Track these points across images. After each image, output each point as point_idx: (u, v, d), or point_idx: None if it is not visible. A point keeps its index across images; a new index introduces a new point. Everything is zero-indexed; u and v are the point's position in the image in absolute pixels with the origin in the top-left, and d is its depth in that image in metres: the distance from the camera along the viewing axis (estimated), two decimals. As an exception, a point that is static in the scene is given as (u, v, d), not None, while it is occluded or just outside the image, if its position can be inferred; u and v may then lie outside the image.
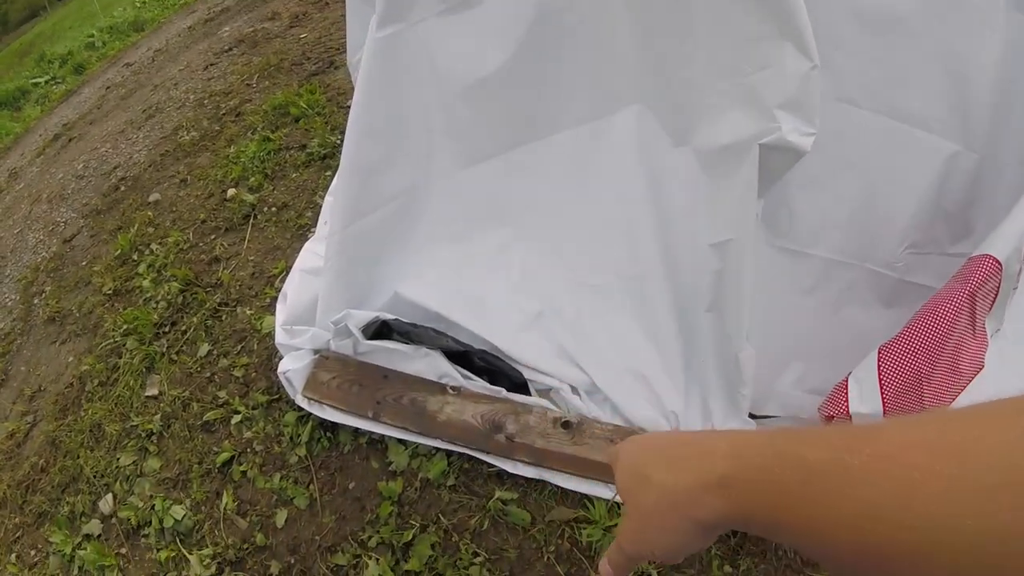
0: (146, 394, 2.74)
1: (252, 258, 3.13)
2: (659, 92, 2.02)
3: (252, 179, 3.62)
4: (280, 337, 2.32)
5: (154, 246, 3.45)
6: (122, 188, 4.26)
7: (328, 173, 3.43)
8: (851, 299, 2.22)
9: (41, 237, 4.32)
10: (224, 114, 4.59)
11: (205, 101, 5.01)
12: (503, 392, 2.07)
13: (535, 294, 2.22)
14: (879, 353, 1.76)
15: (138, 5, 13.40)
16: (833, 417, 1.80)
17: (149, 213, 3.74)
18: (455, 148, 2.19)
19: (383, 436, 2.17)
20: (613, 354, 2.12)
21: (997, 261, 1.68)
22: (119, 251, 3.53)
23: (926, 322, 1.70)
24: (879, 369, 1.74)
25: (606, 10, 1.96)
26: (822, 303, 2.22)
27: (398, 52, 2.02)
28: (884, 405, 1.72)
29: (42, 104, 8.38)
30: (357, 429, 2.18)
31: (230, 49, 6.18)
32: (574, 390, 2.11)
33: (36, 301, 3.71)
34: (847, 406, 1.77)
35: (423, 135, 2.14)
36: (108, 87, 7.26)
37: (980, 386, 1.73)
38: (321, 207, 2.97)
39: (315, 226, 2.97)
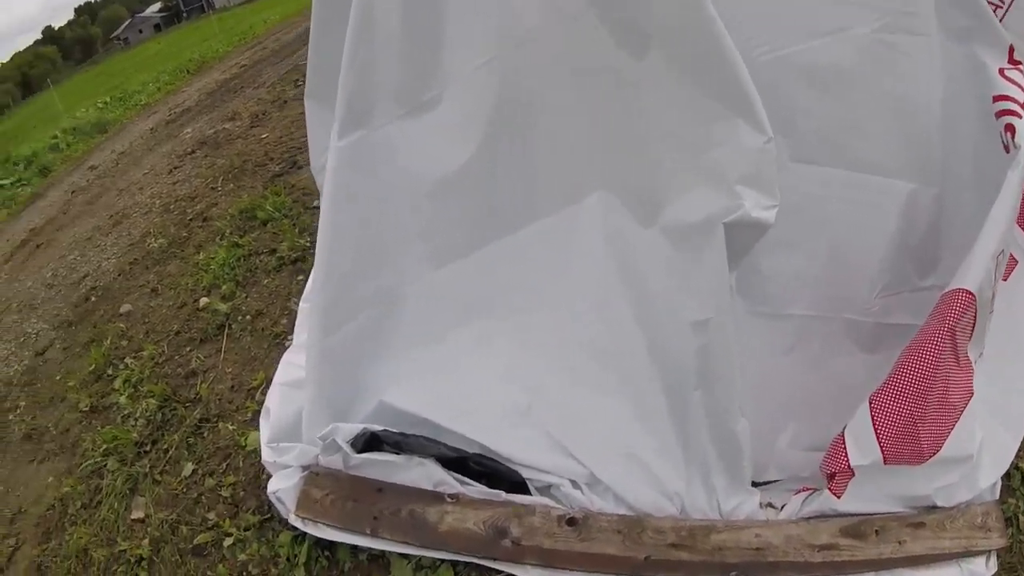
0: (132, 517, 2.52)
1: (230, 370, 2.95)
2: (620, 176, 1.95)
3: (224, 287, 3.46)
4: (266, 455, 2.16)
5: (128, 360, 3.25)
6: (92, 299, 4.07)
7: (300, 278, 3.29)
8: (833, 351, 2.16)
9: (12, 349, 4.06)
10: (191, 219, 4.45)
11: (171, 206, 4.87)
12: (503, 495, 1.93)
13: (522, 386, 2.09)
14: (871, 403, 1.71)
15: (100, 106, 13.41)
16: (835, 474, 1.75)
17: (121, 325, 3.55)
18: (427, 248, 2.08)
19: (384, 551, 2.00)
20: (608, 441, 2.00)
21: (970, 293, 1.63)
22: (93, 366, 3.32)
23: (911, 365, 1.66)
24: (873, 419, 1.69)
25: (561, 99, 1.90)
26: (804, 360, 2.17)
27: (362, 158, 1.92)
28: (883, 454, 1.67)
29: (8, 207, 8.17)
30: (356, 546, 2.01)
31: (193, 151, 6.06)
32: (574, 484, 1.97)
33: (11, 417, 3.45)
34: (847, 460, 1.71)
35: (394, 238, 2.04)
36: (73, 191, 7.12)
37: (973, 410, 1.69)
38: (296, 314, 2.82)
39: (291, 334, 2.81)
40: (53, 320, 4.10)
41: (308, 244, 3.50)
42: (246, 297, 3.35)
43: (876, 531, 1.86)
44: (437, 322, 2.14)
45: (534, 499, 1.93)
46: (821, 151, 2.01)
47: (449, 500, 1.91)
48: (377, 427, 2.00)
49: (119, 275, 4.14)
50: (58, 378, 3.48)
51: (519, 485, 1.96)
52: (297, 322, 2.74)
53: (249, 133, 5.95)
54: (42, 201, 7.59)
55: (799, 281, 2.12)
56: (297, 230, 3.71)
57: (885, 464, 1.67)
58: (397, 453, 1.97)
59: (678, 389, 1.94)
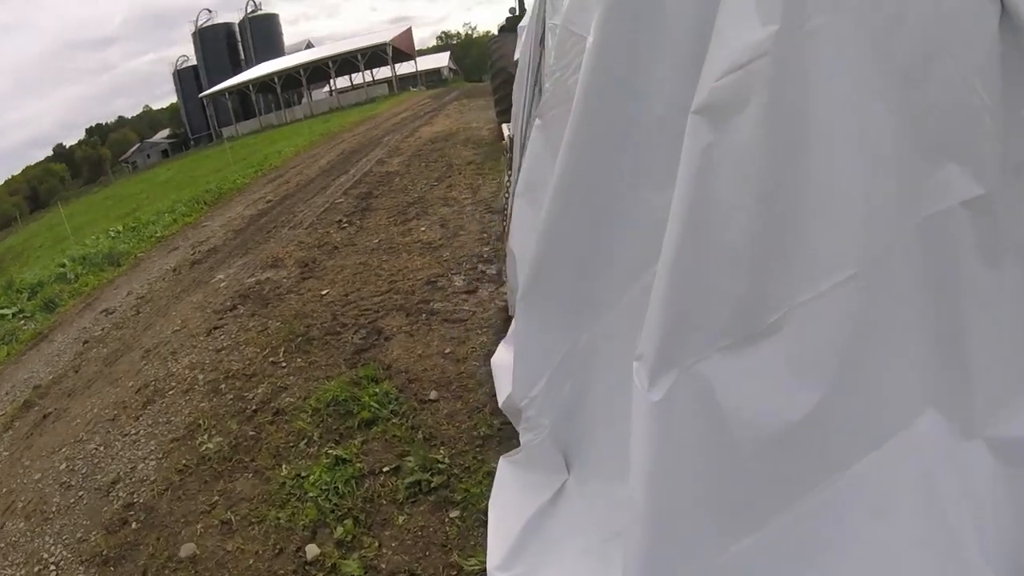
0: None
1: None
2: (950, 386, 1.69)
3: (338, 528, 2.41)
4: None
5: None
6: (133, 524, 2.95)
7: (455, 513, 2.31)
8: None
9: (23, 582, 2.98)
10: (256, 411, 3.41)
11: (221, 386, 3.86)
12: None
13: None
14: None
15: (112, 235, 12.75)
16: None
17: (189, 583, 2.46)
18: (738, 515, 1.70)
19: None
20: None
21: None
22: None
23: None
24: None
25: (912, 318, 1.66)
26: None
27: (674, 411, 1.60)
28: None
29: (9, 344, 7.28)
30: None
31: (234, 307, 5.15)
32: None
33: None
34: None
35: (711, 507, 1.69)
36: (86, 341, 6.22)
37: None
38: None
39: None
40: (78, 547, 2.99)
41: (446, 461, 2.52)
42: (379, 546, 2.30)
43: None
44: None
45: None
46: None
47: None
48: None
49: (167, 489, 3.05)
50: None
51: None
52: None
53: (302, 287, 5.07)
54: (48, 346, 6.67)
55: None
56: (421, 436, 2.73)
57: None
58: None
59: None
